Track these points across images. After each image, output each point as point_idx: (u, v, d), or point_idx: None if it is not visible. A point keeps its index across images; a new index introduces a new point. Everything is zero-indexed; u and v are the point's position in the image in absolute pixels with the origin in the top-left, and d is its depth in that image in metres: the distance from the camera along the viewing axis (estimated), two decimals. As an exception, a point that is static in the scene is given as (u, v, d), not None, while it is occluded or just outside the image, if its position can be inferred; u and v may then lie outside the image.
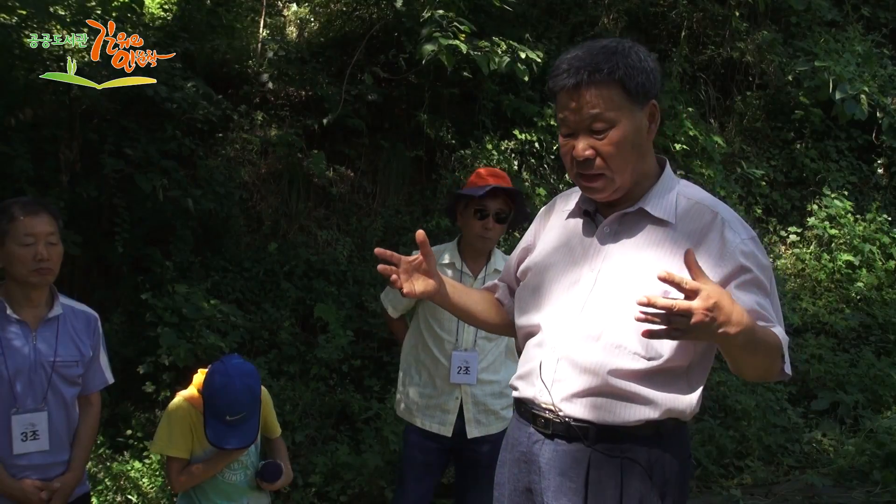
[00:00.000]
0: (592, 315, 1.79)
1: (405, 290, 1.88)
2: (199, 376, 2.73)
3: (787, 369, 1.71)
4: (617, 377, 1.75)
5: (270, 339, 4.98)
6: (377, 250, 1.89)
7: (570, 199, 1.98)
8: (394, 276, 1.87)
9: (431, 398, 3.18)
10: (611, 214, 1.85)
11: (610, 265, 1.81)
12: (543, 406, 1.85)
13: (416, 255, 1.89)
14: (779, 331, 1.69)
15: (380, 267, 1.87)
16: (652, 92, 1.77)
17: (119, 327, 4.63)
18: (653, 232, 1.80)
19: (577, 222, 1.93)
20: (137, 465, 4.17)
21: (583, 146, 1.76)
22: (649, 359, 1.74)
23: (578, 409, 1.79)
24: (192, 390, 2.73)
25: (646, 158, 1.83)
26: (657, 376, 1.76)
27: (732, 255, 1.72)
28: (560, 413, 1.81)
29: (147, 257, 4.85)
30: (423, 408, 3.19)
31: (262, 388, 2.79)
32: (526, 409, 1.92)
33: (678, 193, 1.84)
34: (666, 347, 1.75)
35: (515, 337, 2.06)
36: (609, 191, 1.81)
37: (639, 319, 1.48)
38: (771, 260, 6.71)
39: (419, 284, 1.89)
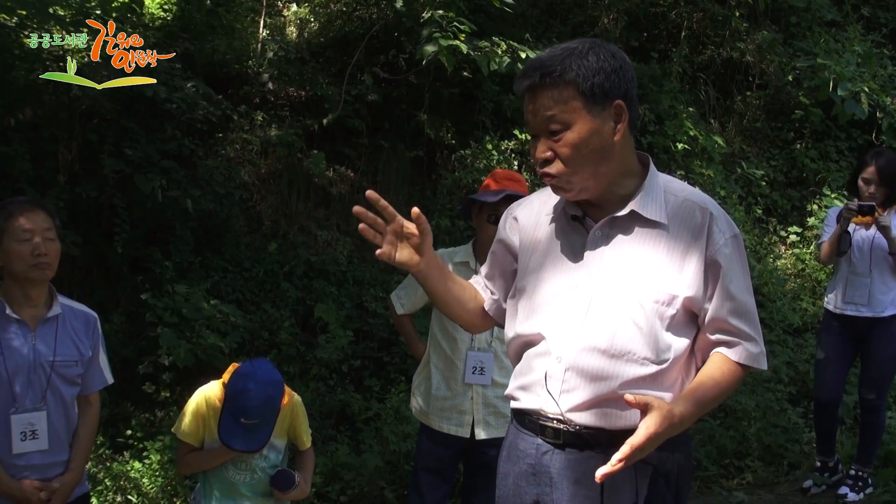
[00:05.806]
0: (597, 323, 1.77)
1: (382, 252, 1.76)
2: (229, 371, 2.75)
3: (763, 365, 1.82)
4: (627, 385, 1.74)
5: (270, 340, 4.98)
6: (355, 209, 1.74)
7: (551, 202, 1.92)
8: (376, 236, 1.77)
9: (446, 400, 3.15)
10: (600, 218, 1.82)
11: (607, 270, 1.79)
12: (551, 416, 1.82)
13: (409, 224, 1.78)
14: (743, 349, 1.80)
15: (361, 226, 1.75)
16: (613, 92, 1.73)
17: (119, 327, 4.63)
18: (646, 234, 1.79)
19: (564, 226, 1.89)
20: (137, 465, 4.17)
21: (541, 148, 1.77)
22: (660, 362, 1.75)
23: (589, 418, 1.78)
24: (217, 383, 2.74)
25: (616, 159, 1.78)
26: (663, 377, 1.77)
27: (715, 257, 1.78)
28: (570, 422, 1.79)
29: (147, 257, 4.85)
30: (438, 410, 3.17)
31: (296, 397, 2.79)
32: (531, 420, 1.86)
33: (664, 191, 1.82)
34: (672, 349, 1.76)
35: (507, 346, 2.00)
36: (574, 191, 1.79)
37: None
38: (771, 260, 6.77)
39: (403, 254, 1.79)
